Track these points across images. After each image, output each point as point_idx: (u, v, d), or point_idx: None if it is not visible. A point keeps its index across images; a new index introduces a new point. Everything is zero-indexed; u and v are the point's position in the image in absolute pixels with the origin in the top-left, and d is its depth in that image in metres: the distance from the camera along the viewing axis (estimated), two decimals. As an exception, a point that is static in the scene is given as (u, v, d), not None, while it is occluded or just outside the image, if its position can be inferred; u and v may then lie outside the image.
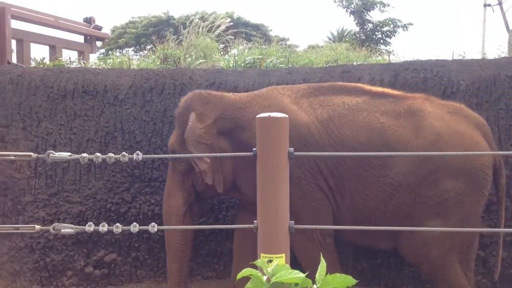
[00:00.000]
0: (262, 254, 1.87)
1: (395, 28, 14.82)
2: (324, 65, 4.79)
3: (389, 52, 9.54)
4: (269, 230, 1.89)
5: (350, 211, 3.22)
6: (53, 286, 4.14)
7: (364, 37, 14.49)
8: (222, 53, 6.22)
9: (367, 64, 4.56)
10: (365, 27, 14.84)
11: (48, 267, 4.14)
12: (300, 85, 3.56)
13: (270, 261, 1.83)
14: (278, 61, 4.91)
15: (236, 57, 5.00)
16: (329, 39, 22.62)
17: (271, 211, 1.90)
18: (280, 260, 1.84)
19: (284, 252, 1.87)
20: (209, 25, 5.92)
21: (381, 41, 14.99)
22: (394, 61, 4.80)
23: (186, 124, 3.31)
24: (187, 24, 5.89)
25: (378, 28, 14.76)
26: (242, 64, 4.84)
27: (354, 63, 4.77)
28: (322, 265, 1.41)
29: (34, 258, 4.12)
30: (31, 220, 4.04)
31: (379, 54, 6.95)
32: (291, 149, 1.96)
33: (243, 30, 20.52)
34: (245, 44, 6.31)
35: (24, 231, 2.26)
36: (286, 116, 2.01)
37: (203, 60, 5.09)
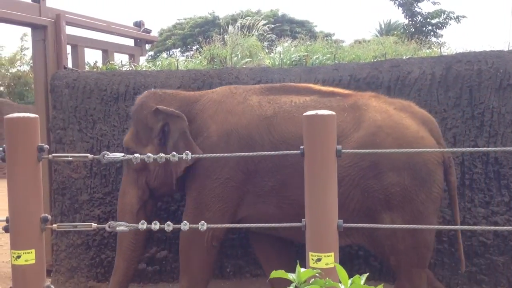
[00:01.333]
0: (310, 253, 1.86)
1: (447, 20, 14.22)
2: (372, 60, 4.69)
3: (440, 45, 9.20)
4: (317, 229, 1.89)
5: (294, 207, 3.12)
6: (108, 282, 4.29)
7: (413, 30, 14.04)
8: (267, 51, 6.23)
9: (417, 57, 4.42)
10: (415, 19, 14.36)
11: (104, 263, 4.31)
12: (252, 85, 3.68)
13: (319, 259, 1.82)
14: (324, 57, 4.84)
15: (281, 55, 4.99)
16: (376, 32, 22.13)
17: (319, 210, 1.89)
18: (329, 259, 1.83)
19: (333, 250, 1.86)
20: (253, 24, 5.94)
21: (432, 33, 14.47)
22: (446, 54, 4.62)
23: (140, 122, 3.47)
24: (232, 24, 5.95)
25: (428, 19, 14.22)
26: (288, 62, 4.82)
27: (404, 57, 4.64)
28: (339, 268, 1.39)
29: (90, 255, 4.30)
30: (87, 218, 4.23)
31: (429, 47, 6.71)
32: (339, 146, 1.94)
33: (288, 27, 20.45)
34: (290, 42, 6.28)
35: (81, 229, 2.36)
36: (333, 113, 1.99)
37: (249, 59, 5.11)
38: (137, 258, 3.63)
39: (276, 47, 6.52)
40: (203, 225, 2.24)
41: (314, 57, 4.84)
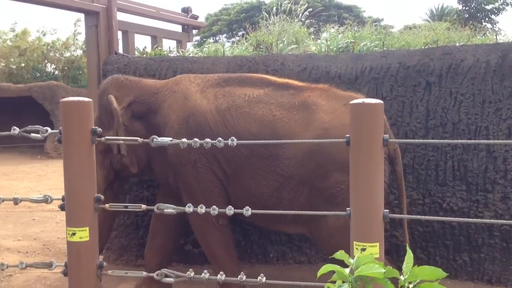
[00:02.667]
0: (355, 242, 1.86)
1: (503, 6, 13.50)
2: (423, 47, 4.55)
3: (495, 32, 8.76)
4: (362, 218, 1.87)
5: (247, 196, 3.32)
6: (155, 261, 4.46)
7: (467, 16, 13.42)
8: (313, 37, 6.16)
9: (471, 44, 4.25)
10: (469, 4, 13.72)
11: (151, 243, 4.46)
12: (211, 75, 3.71)
13: (364, 249, 1.81)
14: (372, 44, 4.74)
15: (328, 42, 4.93)
16: (428, 18, 21.35)
17: (364, 199, 1.88)
18: (374, 249, 1.82)
19: (378, 241, 1.84)
20: (298, 9, 5.87)
21: (487, 19, 13.78)
22: (502, 41, 4.41)
23: (102, 107, 3.57)
24: (277, 9, 5.91)
25: (483, 5, 13.55)
26: (335, 49, 4.75)
27: (457, 44, 4.47)
28: (409, 255, 1.36)
29: (140, 235, 4.46)
30: (137, 200, 4.38)
31: (484, 34, 6.42)
32: (386, 136, 1.91)
33: (335, 13, 20.09)
34: (337, 28, 6.18)
35: (132, 209, 2.46)
36: (381, 102, 1.96)
37: (295, 46, 5.08)
38: (104, 236, 3.63)
39: (322, 33, 6.43)
40: (248, 210, 2.29)
41: (362, 43, 4.75)
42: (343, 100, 3.28)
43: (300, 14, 5.71)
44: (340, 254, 1.37)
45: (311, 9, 6.25)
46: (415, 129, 4.08)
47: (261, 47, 5.04)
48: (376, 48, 4.67)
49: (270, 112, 3.32)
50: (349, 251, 3.06)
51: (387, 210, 1.90)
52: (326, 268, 1.34)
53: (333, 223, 3.10)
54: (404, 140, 4.01)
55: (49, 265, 2.41)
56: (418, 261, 3.95)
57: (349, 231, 2.92)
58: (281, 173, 3.25)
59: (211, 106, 3.41)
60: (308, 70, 4.28)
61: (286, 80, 3.58)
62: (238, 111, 3.36)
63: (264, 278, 2.09)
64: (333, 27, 6.34)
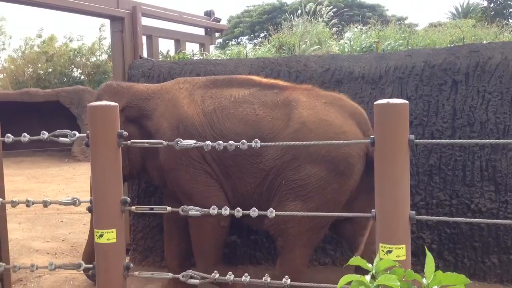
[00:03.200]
0: (380, 244, 1.84)
1: (532, 0, 13.17)
2: (448, 45, 4.47)
3: (524, 27, 8.54)
4: (388, 220, 1.85)
5: (234, 195, 3.44)
6: (180, 262, 4.50)
7: (493, 12, 13.12)
8: (336, 38, 6.11)
9: (499, 42, 4.15)
10: (495, 0, 13.41)
11: (176, 244, 4.50)
12: (200, 78, 3.81)
13: (390, 251, 1.79)
14: (397, 43, 4.68)
15: (351, 42, 4.89)
16: (453, 15, 20.95)
17: (390, 200, 1.86)
18: (400, 251, 1.80)
19: (405, 243, 1.82)
20: (320, 10, 5.84)
21: (515, 15, 13.46)
22: (531, 37, 4.30)
23: None
24: (300, 10, 5.89)
25: (509, 1, 13.24)
26: (358, 49, 4.71)
27: (484, 42, 4.38)
28: (429, 259, 1.34)
29: (163, 236, 4.51)
30: (161, 202, 4.43)
31: (511, 31, 6.26)
32: (412, 136, 1.89)
33: (358, 12, 19.92)
34: (360, 27, 6.13)
35: (157, 211, 2.49)
36: (406, 102, 1.94)
37: (317, 47, 5.05)
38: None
39: (345, 33, 6.39)
40: (272, 212, 2.29)
41: (386, 43, 4.70)
42: (324, 99, 3.38)
43: (324, 15, 5.67)
44: (355, 260, 1.37)
45: (335, 9, 6.20)
46: (442, 129, 4.01)
47: (284, 48, 5.04)
48: (400, 47, 4.61)
49: (254, 111, 3.40)
50: (293, 236, 3.16)
51: (414, 212, 1.87)
52: (345, 279, 1.33)
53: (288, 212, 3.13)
54: (431, 140, 3.95)
55: (77, 266, 2.46)
56: (445, 263, 3.91)
57: (298, 220, 2.98)
58: (263, 168, 3.33)
59: (198, 109, 3.50)
60: (331, 70, 4.26)
61: (272, 80, 3.65)
62: (224, 112, 3.44)
63: (289, 280, 2.09)
64: (356, 27, 6.29)
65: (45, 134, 2.43)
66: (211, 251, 3.61)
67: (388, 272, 1.34)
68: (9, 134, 2.45)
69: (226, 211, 2.33)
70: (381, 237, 1.85)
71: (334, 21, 6.04)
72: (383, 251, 1.81)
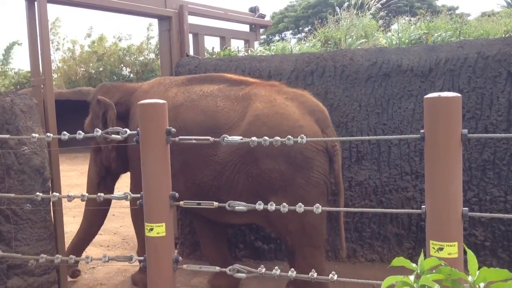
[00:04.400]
0: (431, 242, 1.79)
1: None
2: (503, 35, 4.27)
3: None
4: (439, 217, 1.80)
5: (192, 186, 3.48)
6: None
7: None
8: (383, 30, 5.97)
9: (559, 30, 3.93)
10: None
11: (223, 239, 4.57)
12: (181, 77, 4.03)
13: (441, 249, 1.74)
14: (447, 34, 4.52)
15: (399, 34, 4.76)
16: (508, 4, 19.95)
17: (442, 197, 1.80)
18: (452, 248, 1.74)
19: (457, 240, 1.76)
20: (366, 2, 5.71)
21: None
22: None
23: (92, 111, 4.01)
24: (345, 3, 5.79)
25: None
26: (406, 41, 4.59)
27: (541, 30, 4.15)
28: (471, 256, 1.30)
29: (211, 230, 4.59)
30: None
31: None
32: (465, 131, 1.82)
33: (406, 3, 19.37)
34: (408, 19, 5.95)
35: (204, 206, 2.53)
36: (459, 95, 1.87)
37: (364, 40, 4.96)
38: (97, 222, 4.20)
39: (392, 25, 6.23)
40: (318, 208, 2.28)
41: (436, 34, 4.54)
42: (286, 95, 3.41)
43: (372, 7, 5.54)
44: (398, 261, 1.34)
45: (383, 0, 6.03)
46: (496, 122, 3.84)
47: (330, 43, 4.98)
48: (451, 38, 4.45)
49: (215, 103, 3.51)
50: (294, 234, 3.13)
51: (466, 208, 1.81)
52: (390, 280, 1.31)
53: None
54: (484, 135, 3.80)
55: (129, 259, 2.55)
56: (499, 261, 3.75)
57: (292, 216, 2.78)
58: (218, 160, 3.37)
59: (168, 103, 3.51)
60: (378, 64, 4.17)
61: (242, 78, 3.76)
62: (189, 104, 3.58)
63: (336, 275, 2.07)
64: (404, 18, 6.12)
65: (98, 132, 2.53)
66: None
67: (434, 271, 1.30)
68: (65, 132, 2.57)
69: (272, 206, 2.34)
70: (431, 234, 1.80)
71: (382, 13, 5.89)
72: (433, 248, 1.76)
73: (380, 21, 6.30)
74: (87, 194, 2.61)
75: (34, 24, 3.64)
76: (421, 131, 1.89)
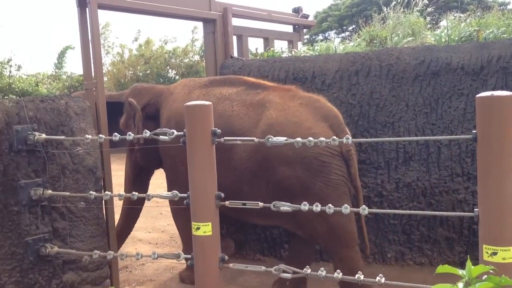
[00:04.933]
0: (484, 246, 1.73)
1: None
2: (562, 30, 4.06)
3: None
4: (493, 220, 1.74)
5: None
6: (272, 256, 4.58)
7: None
8: (431, 27, 5.81)
9: None
10: None
11: (268, 239, 4.60)
12: (203, 78, 4.18)
13: (495, 253, 1.68)
14: (500, 31, 4.34)
15: (448, 31, 4.61)
16: None
17: (496, 199, 1.74)
18: (507, 253, 1.68)
19: (512, 245, 1.70)
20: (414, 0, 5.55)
21: None
22: None
23: (126, 110, 4.19)
24: (393, 3, 5.67)
25: None
26: (456, 38, 4.44)
27: None
28: None
29: (256, 231, 4.62)
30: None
31: None
32: (520, 131, 1.75)
33: (455, -2, 18.74)
34: (458, 15, 5.76)
35: (250, 206, 2.56)
36: (510, 94, 1.80)
37: (411, 38, 4.84)
38: (133, 218, 4.48)
39: (440, 22, 6.04)
40: (364, 209, 2.25)
41: (488, 31, 4.37)
42: (301, 100, 3.44)
43: (420, 2, 5.38)
44: (443, 268, 1.29)
45: None
46: (554, 122, 3.65)
47: (375, 41, 4.89)
48: (504, 35, 4.27)
49: (231, 108, 3.57)
50: (324, 236, 3.12)
51: (522, 212, 1.74)
52: (444, 268, 1.27)
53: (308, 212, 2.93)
54: None
55: (177, 256, 2.62)
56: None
57: (318, 219, 2.91)
58: (235, 165, 3.42)
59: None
60: (426, 62, 4.07)
61: (260, 81, 3.81)
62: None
63: (383, 278, 2.04)
64: (453, 15, 5.92)
65: (147, 133, 2.61)
66: (185, 233, 4.01)
67: (484, 277, 1.25)
68: (116, 133, 2.67)
69: (317, 207, 2.33)
70: (485, 238, 1.74)
71: (429, 9, 5.72)
72: (487, 253, 1.70)
73: (428, 18, 6.13)
74: (136, 193, 2.70)
75: (86, 30, 3.79)
76: (473, 131, 1.84)
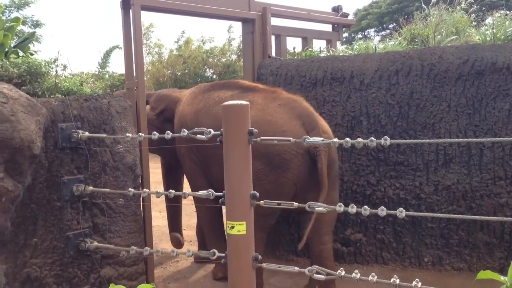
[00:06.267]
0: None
1: None
2: None
3: None
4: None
5: (212, 182, 4.00)
6: (305, 257, 4.56)
7: None
8: (476, 25, 5.61)
9: None
10: None
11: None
12: (208, 83, 4.43)
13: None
14: (550, 28, 4.15)
15: (494, 29, 4.45)
16: None
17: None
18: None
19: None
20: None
21: None
22: None
23: (148, 113, 4.48)
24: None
25: None
26: (502, 37, 4.28)
27: None
28: None
29: (290, 231, 4.61)
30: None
31: None
32: None
33: (502, -5, 18.02)
34: (504, 13, 5.53)
35: (284, 206, 2.56)
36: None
37: (455, 37, 4.69)
38: (179, 213, 5.04)
39: (485, 20, 5.82)
40: (401, 212, 2.21)
41: (536, 29, 4.19)
42: (280, 101, 3.74)
43: (464, 2, 5.20)
44: (485, 273, 1.25)
45: None
46: None
47: (416, 40, 4.78)
48: (554, 33, 4.08)
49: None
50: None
51: None
52: (485, 274, 1.24)
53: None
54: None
55: (211, 254, 2.65)
56: None
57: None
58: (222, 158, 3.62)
59: (192, 109, 4.14)
60: (470, 62, 3.95)
61: (254, 85, 4.09)
62: (205, 110, 4.03)
63: (420, 283, 2.00)
64: (499, 13, 5.70)
65: (185, 132, 2.66)
66: (207, 228, 4.43)
67: None
68: (155, 132, 2.73)
69: (352, 209, 2.31)
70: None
71: (474, 7, 5.52)
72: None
73: (472, 16, 5.92)
74: (173, 191, 2.75)
75: (129, 31, 3.89)
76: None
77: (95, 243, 3.09)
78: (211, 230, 4.35)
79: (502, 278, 1.24)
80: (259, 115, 3.70)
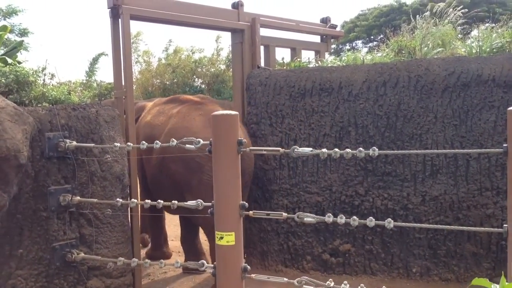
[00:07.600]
0: (514, 264, 1.68)
1: None
2: None
3: None
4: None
5: (145, 177, 4.49)
6: (294, 268, 4.55)
7: None
8: (462, 38, 5.69)
9: None
10: None
11: (290, 250, 4.57)
12: (166, 98, 5.04)
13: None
14: (534, 42, 4.23)
15: (480, 42, 4.52)
16: None
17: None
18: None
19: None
20: (445, 10, 5.44)
21: None
22: None
23: None
24: (421, 11, 5.58)
25: None
26: (488, 49, 4.35)
27: None
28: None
29: (279, 241, 4.60)
30: (276, 207, 4.53)
31: None
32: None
33: (486, 8, 18.38)
34: (489, 26, 5.63)
35: (273, 217, 2.55)
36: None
37: (441, 49, 4.76)
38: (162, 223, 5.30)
39: (471, 32, 5.91)
40: (390, 223, 2.22)
41: (520, 42, 4.27)
42: (201, 111, 4.17)
43: (452, 15, 5.28)
44: (479, 280, 1.26)
45: (466, 9, 5.72)
46: None
47: (403, 52, 4.84)
48: (538, 46, 4.16)
49: (159, 119, 4.43)
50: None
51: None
52: (479, 281, 1.25)
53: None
54: None
55: (200, 265, 2.63)
56: None
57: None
58: (153, 163, 4.23)
59: (145, 119, 4.60)
60: (456, 74, 4.00)
61: (191, 98, 4.56)
62: (150, 120, 4.50)
63: (409, 295, 2.00)
64: (484, 25, 5.79)
65: (174, 142, 2.65)
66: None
67: None
68: (143, 142, 2.72)
69: (341, 219, 2.31)
70: (515, 256, 1.69)
71: (461, 21, 5.61)
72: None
73: (459, 29, 6.01)
74: (162, 201, 2.73)
75: (118, 40, 3.87)
76: (504, 145, 1.79)
77: (82, 254, 3.05)
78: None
79: (492, 286, 1.25)
80: (179, 123, 4.15)
